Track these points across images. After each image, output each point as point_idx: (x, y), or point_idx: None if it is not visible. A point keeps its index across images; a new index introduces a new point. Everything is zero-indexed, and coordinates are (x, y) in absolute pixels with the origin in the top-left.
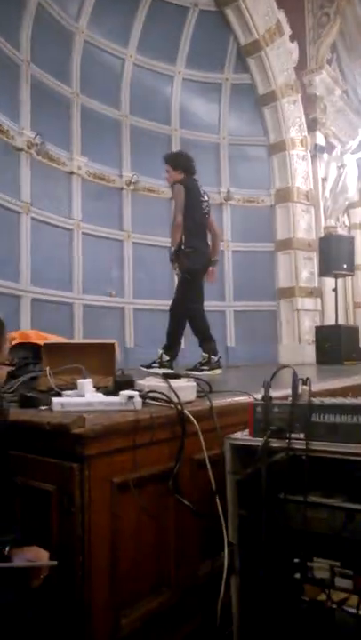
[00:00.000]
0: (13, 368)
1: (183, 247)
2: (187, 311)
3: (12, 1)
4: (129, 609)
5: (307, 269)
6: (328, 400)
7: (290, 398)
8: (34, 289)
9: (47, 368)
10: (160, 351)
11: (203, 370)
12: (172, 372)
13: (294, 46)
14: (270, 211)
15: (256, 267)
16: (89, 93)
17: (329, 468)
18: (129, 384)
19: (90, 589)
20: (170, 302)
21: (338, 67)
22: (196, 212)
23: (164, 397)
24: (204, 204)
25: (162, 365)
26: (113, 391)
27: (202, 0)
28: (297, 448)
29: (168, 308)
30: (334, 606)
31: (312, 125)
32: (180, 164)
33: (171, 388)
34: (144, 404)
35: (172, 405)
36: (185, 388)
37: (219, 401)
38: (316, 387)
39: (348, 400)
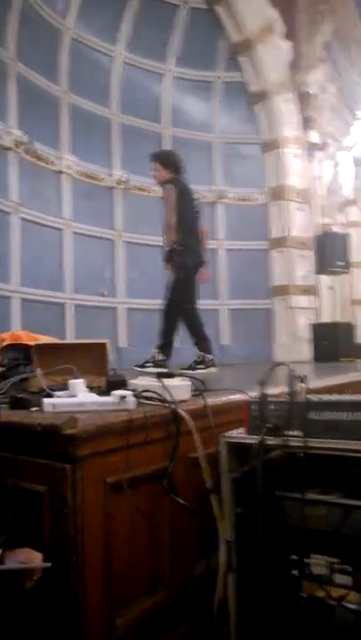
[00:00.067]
0: (4, 369)
1: (176, 246)
2: (180, 310)
3: None
4: (124, 609)
5: (301, 267)
6: (326, 397)
7: (286, 395)
8: (24, 289)
9: (38, 369)
10: (154, 351)
11: (198, 369)
12: (166, 371)
13: (287, 44)
14: (264, 209)
15: (250, 265)
16: (78, 92)
17: (325, 464)
18: (122, 384)
19: (83, 590)
20: (163, 302)
21: (331, 65)
22: (188, 211)
23: (158, 396)
24: (195, 203)
25: (156, 365)
26: (105, 391)
27: None
28: (294, 445)
29: (161, 307)
30: (333, 603)
31: (306, 123)
32: (171, 163)
33: (164, 386)
34: (138, 403)
35: (166, 404)
36: (179, 387)
37: (214, 399)
38: (312, 384)
39: (345, 397)
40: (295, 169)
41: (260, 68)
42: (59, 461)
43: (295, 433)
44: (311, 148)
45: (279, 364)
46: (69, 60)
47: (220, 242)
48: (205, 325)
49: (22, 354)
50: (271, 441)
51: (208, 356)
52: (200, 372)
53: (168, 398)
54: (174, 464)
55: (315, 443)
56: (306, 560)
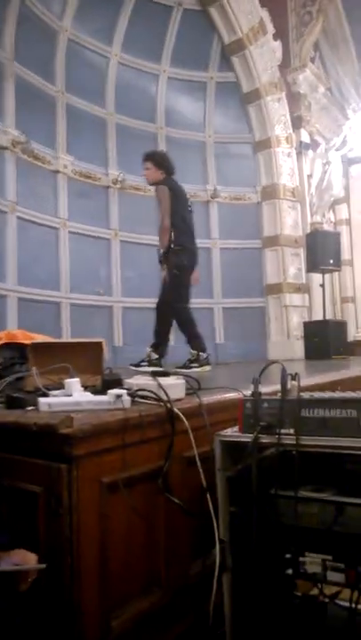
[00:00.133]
0: None
1: (173, 246)
2: (173, 309)
3: None
4: (119, 610)
5: (294, 265)
6: (317, 394)
7: (279, 394)
8: (20, 288)
9: (34, 368)
10: (148, 350)
11: (192, 367)
12: (160, 369)
13: (278, 45)
14: (257, 208)
15: (244, 264)
16: (74, 92)
17: (319, 462)
18: (117, 383)
19: (79, 591)
20: (157, 301)
21: (321, 64)
22: (184, 211)
23: (153, 395)
24: (189, 202)
25: (151, 364)
26: (101, 390)
27: None
28: (287, 443)
29: (155, 306)
30: (327, 600)
31: (297, 123)
32: (164, 163)
33: (160, 385)
34: (133, 402)
35: (162, 403)
36: (174, 386)
37: (208, 398)
38: (305, 381)
39: (337, 394)
40: (287, 168)
41: (252, 69)
42: (54, 461)
43: (288, 431)
44: (302, 147)
45: (273, 362)
46: (65, 61)
47: (214, 241)
48: (200, 324)
49: (18, 353)
50: (265, 439)
51: (202, 354)
52: (195, 370)
53: (163, 397)
54: (170, 463)
55: (307, 440)
56: (300, 558)
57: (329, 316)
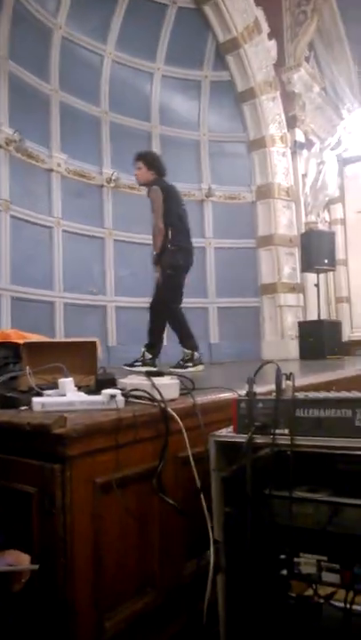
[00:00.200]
0: None
1: (169, 245)
2: (167, 309)
3: None
4: (113, 611)
5: (288, 265)
6: (312, 394)
7: (274, 394)
8: (14, 287)
9: (27, 367)
10: (142, 349)
11: (187, 367)
12: (154, 369)
13: (273, 44)
14: (251, 207)
15: (238, 263)
16: (68, 90)
17: (313, 462)
18: (111, 382)
19: (72, 591)
20: (150, 300)
21: (316, 64)
22: (177, 210)
23: (147, 395)
24: (183, 201)
25: (144, 364)
26: (95, 390)
27: None
28: (282, 444)
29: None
30: (321, 601)
31: (291, 122)
32: (155, 164)
33: (154, 385)
34: (127, 402)
35: (156, 403)
36: (168, 386)
37: (202, 398)
38: (299, 381)
39: (332, 394)
40: (281, 167)
41: (247, 68)
42: (47, 461)
43: (283, 431)
44: (297, 147)
45: (267, 362)
46: (60, 59)
47: (209, 240)
48: (194, 324)
49: (12, 352)
50: (259, 439)
51: (196, 353)
52: (189, 370)
53: (157, 397)
54: (164, 463)
55: (301, 440)
56: (295, 559)
57: (324, 316)
